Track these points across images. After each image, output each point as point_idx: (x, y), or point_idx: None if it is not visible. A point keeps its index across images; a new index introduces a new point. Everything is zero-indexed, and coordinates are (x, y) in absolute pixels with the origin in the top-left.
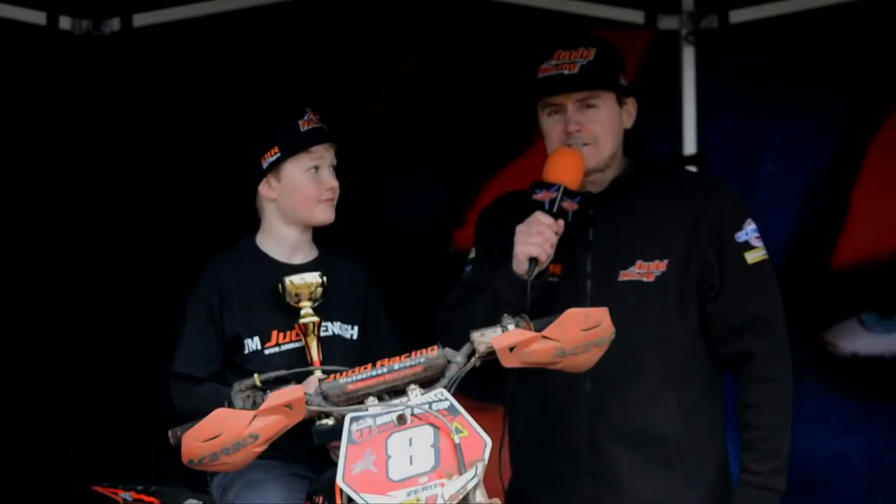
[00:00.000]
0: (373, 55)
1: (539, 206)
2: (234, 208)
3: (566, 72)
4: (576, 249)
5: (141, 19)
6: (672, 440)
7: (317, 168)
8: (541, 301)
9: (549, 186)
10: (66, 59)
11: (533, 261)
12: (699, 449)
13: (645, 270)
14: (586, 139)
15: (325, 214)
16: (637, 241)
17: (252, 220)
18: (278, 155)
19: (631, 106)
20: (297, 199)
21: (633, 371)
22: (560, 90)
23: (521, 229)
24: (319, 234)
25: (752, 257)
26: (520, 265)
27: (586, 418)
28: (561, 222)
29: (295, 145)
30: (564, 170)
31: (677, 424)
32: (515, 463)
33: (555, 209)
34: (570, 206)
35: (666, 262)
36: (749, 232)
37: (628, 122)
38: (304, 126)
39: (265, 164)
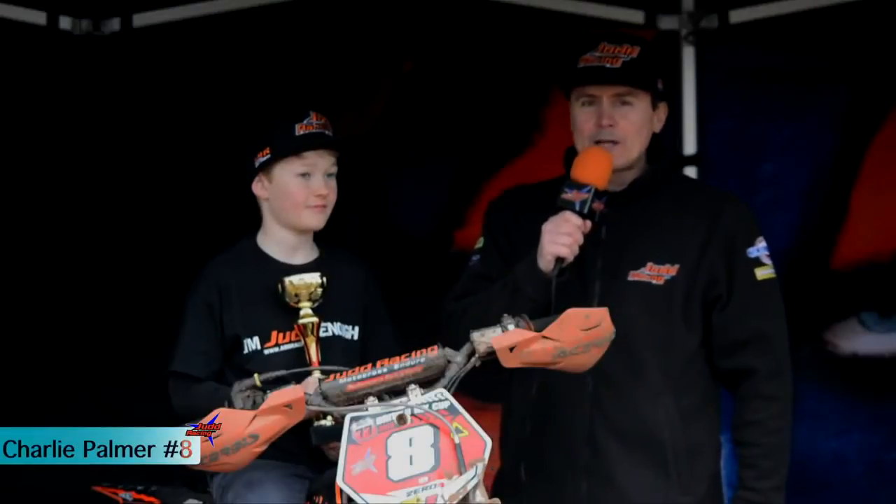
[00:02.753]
0: (372, 56)
1: (568, 205)
2: (234, 208)
3: (608, 65)
4: (587, 246)
5: (141, 19)
6: (670, 444)
7: (308, 174)
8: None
9: (580, 187)
10: (66, 59)
11: (560, 260)
12: (695, 456)
13: (655, 273)
14: (617, 136)
15: (312, 220)
16: (649, 243)
17: (252, 220)
18: (269, 156)
19: (662, 111)
20: (285, 202)
21: (635, 372)
22: (600, 81)
23: (549, 228)
24: (320, 234)
25: (761, 274)
26: (546, 264)
27: (587, 416)
28: (588, 222)
29: (286, 148)
30: (596, 170)
31: (676, 429)
32: (511, 455)
33: (586, 210)
34: (598, 206)
35: (677, 266)
36: (760, 249)
37: (657, 127)
38: (300, 130)
39: (257, 164)
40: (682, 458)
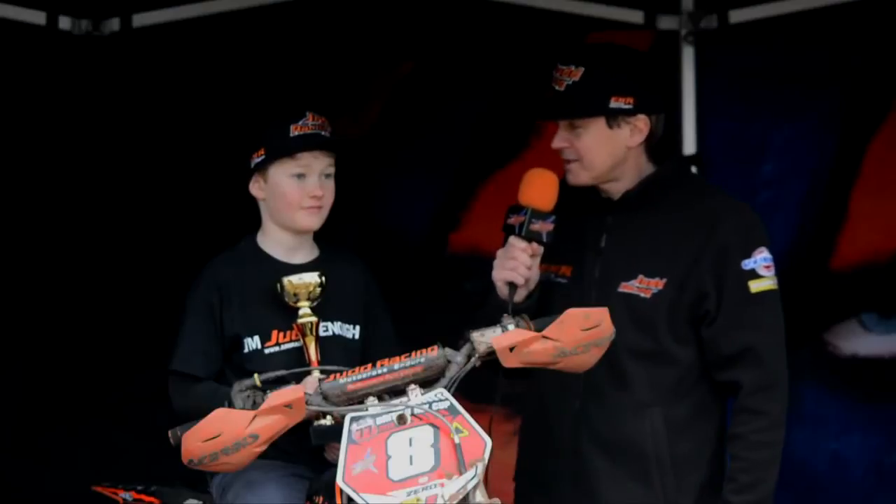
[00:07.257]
0: (371, 57)
1: (510, 229)
2: (234, 208)
3: (556, 87)
4: (588, 254)
5: (140, 19)
6: (653, 456)
7: (303, 174)
8: (547, 301)
9: (519, 210)
10: (66, 59)
11: (511, 286)
12: (683, 468)
13: (644, 286)
14: (576, 155)
15: (307, 221)
16: (643, 255)
17: (252, 220)
18: (263, 157)
19: (641, 122)
20: (280, 203)
21: (621, 384)
22: (541, 117)
23: (498, 254)
24: (319, 235)
25: (756, 286)
26: (500, 291)
27: (573, 426)
28: (535, 245)
29: (280, 149)
30: (532, 192)
31: (661, 441)
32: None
33: (523, 233)
34: (542, 227)
35: (664, 281)
36: (758, 260)
37: (633, 140)
38: (294, 131)
39: (252, 164)
40: (667, 471)
